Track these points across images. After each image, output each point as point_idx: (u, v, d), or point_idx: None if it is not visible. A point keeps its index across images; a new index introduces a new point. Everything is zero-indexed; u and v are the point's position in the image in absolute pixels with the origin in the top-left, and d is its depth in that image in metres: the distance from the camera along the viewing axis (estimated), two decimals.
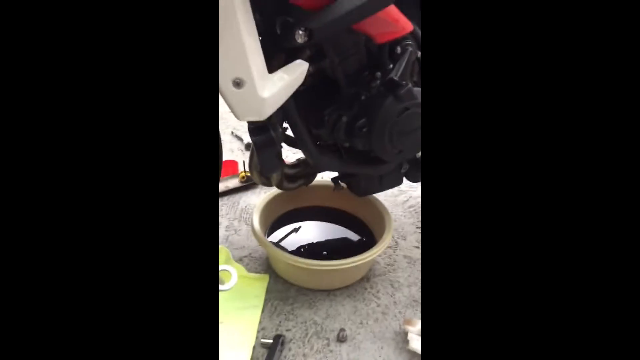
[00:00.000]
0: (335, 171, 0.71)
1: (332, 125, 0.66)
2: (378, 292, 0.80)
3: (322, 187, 0.94)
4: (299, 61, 0.55)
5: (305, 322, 0.74)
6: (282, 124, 0.65)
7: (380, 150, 0.65)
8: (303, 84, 0.66)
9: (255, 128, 0.59)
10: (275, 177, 0.79)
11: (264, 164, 0.62)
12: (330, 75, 0.65)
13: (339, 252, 0.85)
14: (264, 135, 0.59)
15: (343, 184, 0.82)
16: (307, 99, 0.67)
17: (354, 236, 0.90)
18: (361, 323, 0.74)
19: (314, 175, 0.86)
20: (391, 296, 0.79)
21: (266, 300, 0.78)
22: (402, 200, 1.07)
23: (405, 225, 0.98)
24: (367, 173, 0.74)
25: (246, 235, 0.93)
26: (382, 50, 0.63)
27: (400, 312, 0.76)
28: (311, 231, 0.92)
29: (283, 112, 0.64)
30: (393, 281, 0.83)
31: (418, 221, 1.00)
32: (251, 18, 0.47)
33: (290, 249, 0.86)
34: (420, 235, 0.95)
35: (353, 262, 0.74)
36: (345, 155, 0.69)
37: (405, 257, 0.89)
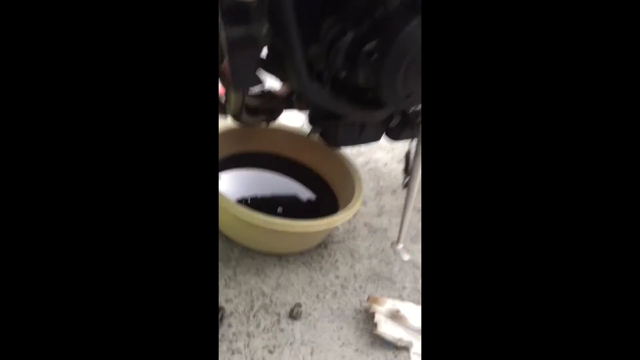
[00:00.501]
0: (319, 105, 0.54)
1: (331, 42, 0.49)
2: (336, 261, 0.69)
3: (281, 131, 0.77)
4: None
5: (251, 292, 0.59)
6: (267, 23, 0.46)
7: (387, 89, 0.51)
8: None
9: (234, 12, 0.39)
10: (234, 104, 0.60)
11: (239, 72, 0.43)
12: None
13: (294, 211, 0.71)
14: (245, 27, 0.40)
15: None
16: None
17: (309, 194, 0.76)
18: (317, 297, 0.62)
19: (279, 113, 0.69)
20: (351, 267, 0.68)
21: None
22: (362, 162, 0.95)
23: (365, 190, 0.87)
24: (356, 117, 0.59)
25: None
26: None
27: (360, 287, 0.65)
28: (259, 181, 0.75)
29: (272, 4, 0.45)
30: (353, 250, 0.71)
31: (379, 186, 0.90)
32: None
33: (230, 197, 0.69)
34: (379, 202, 0.85)
35: (318, 225, 0.61)
36: (333, 88, 0.53)
37: (365, 224, 0.78)
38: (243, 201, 0.70)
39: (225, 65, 0.47)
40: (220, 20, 0.39)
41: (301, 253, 0.67)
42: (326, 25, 0.49)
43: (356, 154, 0.97)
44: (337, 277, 0.66)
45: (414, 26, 0.47)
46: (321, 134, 0.66)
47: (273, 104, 0.66)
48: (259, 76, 0.44)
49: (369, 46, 0.48)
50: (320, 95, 0.51)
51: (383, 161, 0.97)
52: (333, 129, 0.64)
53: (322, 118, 0.61)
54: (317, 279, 0.64)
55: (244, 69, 0.43)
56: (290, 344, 0.54)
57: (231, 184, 0.72)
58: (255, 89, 0.62)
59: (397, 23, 0.48)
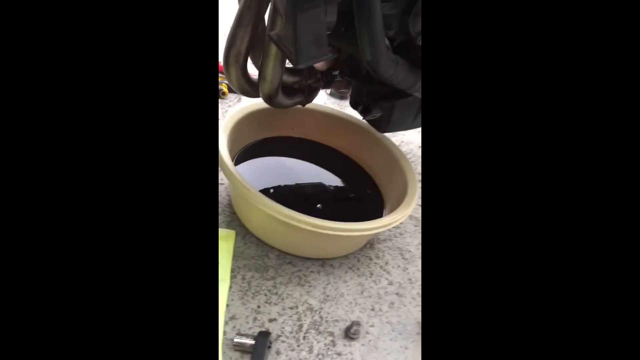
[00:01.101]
0: (393, 82, 0.42)
1: (409, 3, 0.38)
2: (387, 264, 0.60)
3: (315, 112, 0.66)
4: None
5: (297, 307, 0.50)
6: None
7: None
8: None
9: None
10: (269, 82, 0.49)
11: (304, 41, 0.32)
12: None
13: (332, 206, 0.61)
14: None
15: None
16: None
17: (345, 185, 0.66)
18: (373, 309, 0.53)
19: (317, 91, 0.58)
20: (404, 270, 0.59)
21: (234, 271, 0.51)
22: (404, 151, 0.85)
23: None
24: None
25: None
26: None
27: (418, 294, 0.57)
28: (288, 171, 0.65)
29: None
30: (403, 250, 0.62)
31: (417, 173, 0.80)
32: None
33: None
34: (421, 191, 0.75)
35: (373, 228, 0.51)
36: (411, 60, 0.42)
37: (411, 217, 0.68)
38: (271, 189, 0.60)
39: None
40: None
41: (346, 256, 0.58)
42: None
43: (398, 143, 0.86)
44: (390, 283, 0.57)
45: None
46: (373, 117, 0.55)
47: (312, 81, 0.55)
48: (329, 46, 0.33)
49: None
50: (397, 69, 0.39)
51: (417, 142, 0.86)
52: (388, 111, 0.53)
53: (381, 98, 0.50)
54: (369, 287, 0.55)
55: (312, 35, 0.31)
56: None
57: (258, 175, 0.62)
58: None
59: None
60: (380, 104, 0.51)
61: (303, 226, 0.48)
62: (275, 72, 0.47)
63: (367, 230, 0.51)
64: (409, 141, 0.86)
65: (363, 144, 0.67)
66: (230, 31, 0.46)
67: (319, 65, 0.55)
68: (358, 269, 0.57)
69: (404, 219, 0.54)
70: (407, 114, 0.55)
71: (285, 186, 0.63)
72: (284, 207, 0.49)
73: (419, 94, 0.47)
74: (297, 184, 0.63)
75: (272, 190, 0.60)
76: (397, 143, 0.85)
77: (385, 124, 0.55)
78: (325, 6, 0.30)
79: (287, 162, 0.66)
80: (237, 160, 0.62)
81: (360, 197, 0.65)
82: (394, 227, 0.66)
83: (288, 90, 0.53)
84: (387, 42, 0.38)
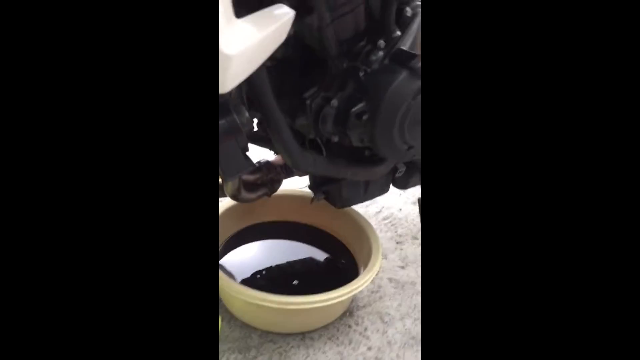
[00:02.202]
0: (319, 174, 0.52)
1: (317, 112, 0.48)
2: (366, 329, 0.63)
3: (285, 197, 0.75)
4: (280, 6, 0.36)
5: None
6: (248, 109, 0.45)
7: (386, 146, 0.48)
8: (272, 56, 0.47)
9: None
10: (230, 185, 0.58)
11: (226, 162, 0.41)
12: (312, 43, 0.47)
13: (311, 279, 0.67)
14: (224, 120, 0.39)
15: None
16: (278, 79, 0.48)
17: (325, 256, 0.72)
18: None
19: (279, 183, 0.67)
20: (383, 334, 0.63)
21: (220, 355, 0.56)
22: (374, 212, 0.91)
23: (384, 241, 0.83)
24: (358, 177, 0.57)
25: None
26: (387, 11, 0.46)
27: (398, 356, 0.59)
28: (272, 251, 0.72)
29: (250, 90, 0.44)
30: (382, 313, 0.66)
31: (397, 234, 0.85)
32: None
33: (242, 276, 0.65)
34: (401, 253, 0.80)
35: (340, 296, 0.56)
36: (329, 153, 0.51)
37: (390, 280, 0.73)
38: (258, 274, 0.67)
39: None
40: None
41: (326, 327, 0.62)
42: (309, 97, 0.48)
43: (368, 203, 0.93)
44: (369, 348, 0.60)
45: (402, 79, 0.46)
46: (326, 197, 0.63)
47: (272, 175, 0.65)
48: (249, 159, 0.43)
49: (357, 108, 0.47)
50: (317, 165, 0.49)
51: (397, 206, 0.92)
52: (337, 190, 0.61)
53: (323, 183, 0.59)
54: (347, 355, 0.59)
55: (232, 157, 0.41)
56: None
57: (243, 259, 0.69)
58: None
59: (382, 81, 0.46)
60: (320, 189, 0.59)
61: (272, 305, 0.54)
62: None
63: (325, 300, 0.56)
64: (389, 205, 0.93)
65: (333, 218, 0.74)
66: None
67: (277, 160, 0.65)
68: (337, 338, 0.61)
69: (363, 287, 0.59)
70: (356, 190, 0.62)
71: (272, 267, 0.69)
72: (255, 290, 0.55)
73: (354, 178, 0.56)
74: (280, 263, 0.70)
75: (261, 274, 0.66)
76: (377, 209, 0.92)
77: (338, 201, 0.63)
78: (239, 136, 0.40)
79: (271, 244, 0.74)
80: (224, 250, 0.70)
81: (335, 264, 0.71)
82: (372, 292, 0.70)
83: (251, 186, 0.63)
84: (304, 142, 0.47)
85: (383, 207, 0.92)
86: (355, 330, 0.63)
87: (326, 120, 0.47)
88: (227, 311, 0.63)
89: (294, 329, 0.61)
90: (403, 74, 0.45)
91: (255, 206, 0.73)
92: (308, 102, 0.48)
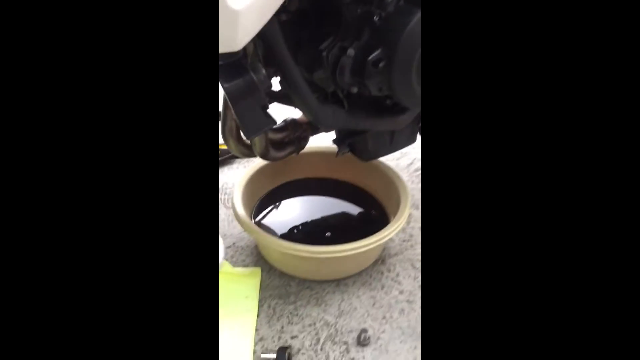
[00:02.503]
0: (339, 127, 0.52)
1: (334, 63, 0.48)
2: (398, 275, 0.66)
3: (315, 154, 0.76)
4: None
5: (315, 324, 0.59)
6: (264, 65, 0.46)
7: (404, 93, 0.48)
8: (286, 9, 0.47)
9: (227, 69, 0.40)
10: (258, 144, 0.61)
11: (246, 121, 0.43)
12: None
13: (344, 231, 0.69)
14: (241, 79, 0.41)
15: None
16: (294, 33, 0.48)
17: (357, 210, 0.74)
18: (384, 318, 0.59)
19: (306, 140, 0.69)
20: (414, 279, 0.65)
21: (261, 301, 0.62)
22: (406, 164, 0.91)
23: (415, 192, 0.83)
24: (380, 128, 0.57)
25: (227, 221, 0.76)
26: None
27: None
28: (306, 208, 0.75)
29: (265, 46, 0.45)
30: (413, 260, 0.68)
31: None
32: None
33: (280, 231, 0.69)
34: None
35: (368, 244, 0.59)
36: (351, 105, 0.52)
37: (422, 229, 0.74)
38: (295, 229, 0.71)
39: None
40: (219, 79, 0.40)
41: (359, 274, 0.66)
42: (325, 48, 0.48)
43: (399, 156, 0.93)
44: (401, 292, 0.63)
45: (417, 21, 0.44)
46: (352, 150, 0.64)
47: (299, 133, 0.66)
48: (270, 117, 0.45)
49: (373, 56, 0.46)
50: (337, 119, 0.49)
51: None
52: (362, 143, 0.62)
53: (347, 136, 0.60)
54: (380, 299, 0.62)
55: (251, 116, 0.43)
56: None
57: (279, 216, 0.73)
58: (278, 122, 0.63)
59: (397, 23, 0.45)
60: (344, 142, 0.60)
61: (307, 255, 0.58)
62: (259, 138, 0.59)
63: (356, 248, 0.58)
64: (420, 158, 0.92)
65: (363, 172, 0.75)
66: (222, 112, 0.60)
67: (303, 117, 0.66)
68: (370, 283, 0.64)
69: (392, 235, 0.61)
70: (382, 141, 0.63)
71: (306, 222, 0.73)
72: (293, 242, 0.59)
73: (377, 129, 0.56)
74: (314, 218, 0.73)
75: (297, 229, 0.70)
76: (409, 161, 0.91)
77: (364, 153, 0.63)
78: (257, 94, 0.42)
79: (304, 200, 0.77)
80: (261, 207, 0.74)
81: (367, 217, 0.73)
82: (403, 241, 0.72)
83: (278, 145, 0.65)
84: (325, 96, 0.48)
85: (415, 158, 0.92)
86: (387, 276, 0.65)
87: (344, 71, 0.48)
88: (266, 263, 0.67)
89: (329, 277, 0.65)
90: (418, 15, 0.44)
91: (286, 165, 0.76)
92: (324, 53, 0.48)
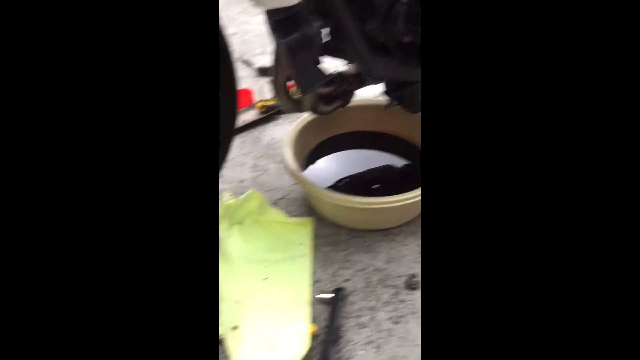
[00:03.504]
0: (391, 78, 0.52)
1: (387, 11, 0.47)
2: None
3: (360, 107, 0.77)
4: None
5: (365, 270, 0.62)
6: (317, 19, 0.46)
7: None
8: None
9: (282, 24, 0.41)
10: (308, 98, 0.62)
11: (302, 74, 0.45)
12: None
13: (389, 183, 0.71)
14: (297, 34, 0.41)
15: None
16: None
17: (403, 162, 0.75)
18: None
19: (352, 94, 0.69)
20: None
21: (314, 248, 0.66)
22: None
23: None
24: None
25: (277, 174, 0.79)
26: None
27: None
28: (352, 161, 0.77)
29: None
30: None
31: None
32: None
33: (328, 183, 0.72)
34: None
35: (414, 197, 0.60)
36: (403, 54, 0.51)
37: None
38: (341, 181, 0.73)
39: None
40: (273, 35, 0.40)
41: (406, 224, 0.68)
42: None
43: None
44: None
45: None
46: (400, 102, 0.64)
47: (345, 86, 0.66)
48: (322, 71, 0.45)
49: None
50: (389, 69, 0.49)
51: None
52: (410, 94, 0.62)
53: (397, 88, 0.60)
54: None
55: (307, 71, 0.44)
56: (413, 313, 0.56)
57: (326, 169, 0.76)
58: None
59: None
60: (394, 94, 0.60)
61: (357, 205, 0.61)
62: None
63: (403, 200, 0.60)
64: None
65: (409, 125, 0.75)
66: (273, 69, 0.61)
67: (349, 70, 0.66)
68: (416, 233, 0.67)
69: None
70: None
71: (353, 175, 0.75)
72: (342, 194, 0.61)
73: None
74: (360, 171, 0.75)
75: (344, 181, 0.73)
76: None
77: (412, 105, 0.63)
78: (313, 48, 0.43)
79: (350, 154, 0.79)
80: (309, 161, 0.76)
81: (413, 169, 0.74)
82: None
83: (327, 99, 0.66)
84: (376, 47, 0.48)
85: None
86: None
87: (397, 19, 0.47)
88: (315, 213, 0.71)
89: (377, 226, 0.67)
90: None
91: (332, 119, 0.77)
92: (377, 2, 0.47)
